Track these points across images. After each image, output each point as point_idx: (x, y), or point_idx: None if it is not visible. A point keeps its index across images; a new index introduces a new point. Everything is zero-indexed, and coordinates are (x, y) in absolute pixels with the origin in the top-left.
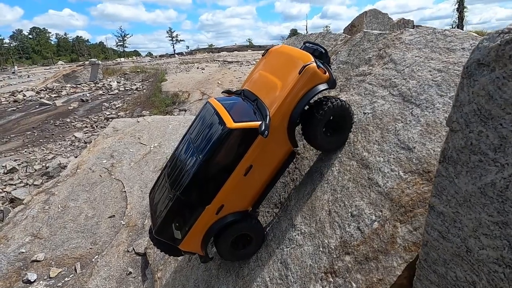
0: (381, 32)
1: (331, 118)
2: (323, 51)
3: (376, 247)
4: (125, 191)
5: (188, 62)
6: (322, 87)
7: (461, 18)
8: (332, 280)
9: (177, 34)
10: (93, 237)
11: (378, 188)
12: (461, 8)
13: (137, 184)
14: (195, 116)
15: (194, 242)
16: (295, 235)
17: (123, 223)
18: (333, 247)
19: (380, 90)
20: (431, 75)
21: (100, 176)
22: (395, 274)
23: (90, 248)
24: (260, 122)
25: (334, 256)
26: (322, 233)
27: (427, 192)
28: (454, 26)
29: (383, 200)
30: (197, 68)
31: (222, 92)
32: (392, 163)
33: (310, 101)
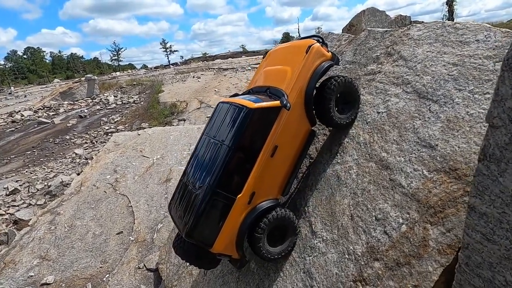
0: (386, 29)
1: (338, 95)
2: (320, 38)
3: (407, 251)
4: (131, 206)
5: (183, 71)
6: (328, 63)
7: (451, 11)
8: None
9: (170, 45)
10: (103, 256)
11: (402, 189)
12: (450, 2)
13: (143, 198)
14: (209, 119)
15: (228, 241)
16: (316, 243)
17: (132, 239)
18: (359, 254)
19: (393, 88)
20: (446, 69)
21: (105, 192)
22: (432, 279)
23: (100, 267)
24: (279, 100)
25: (362, 263)
26: (346, 239)
27: (456, 190)
28: (444, 19)
29: (409, 201)
30: (193, 77)
31: (230, 97)
32: (414, 163)
33: (319, 80)
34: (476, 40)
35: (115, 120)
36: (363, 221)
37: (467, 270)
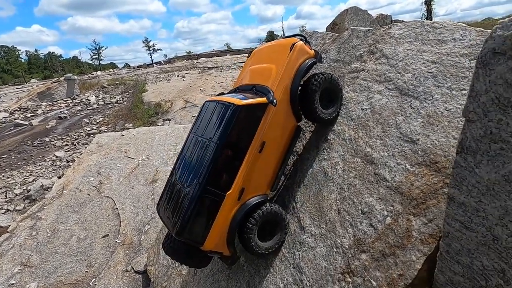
0: (369, 28)
1: (322, 91)
2: (303, 37)
3: (392, 242)
4: (116, 208)
5: (167, 70)
6: (311, 61)
7: (429, 10)
8: (351, 280)
9: (153, 44)
10: (88, 260)
11: (386, 183)
12: (429, 1)
13: (128, 200)
14: (195, 118)
15: (219, 238)
16: (305, 238)
17: (118, 241)
18: (347, 247)
19: (376, 86)
20: (425, 67)
21: (89, 195)
22: (415, 268)
23: (86, 271)
24: (266, 97)
25: (350, 255)
26: (334, 233)
27: (437, 183)
28: (423, 19)
29: (393, 194)
30: (177, 76)
31: (216, 95)
32: (397, 157)
33: (303, 77)
34: (453, 39)
35: (97, 121)
36: (350, 215)
37: (448, 257)
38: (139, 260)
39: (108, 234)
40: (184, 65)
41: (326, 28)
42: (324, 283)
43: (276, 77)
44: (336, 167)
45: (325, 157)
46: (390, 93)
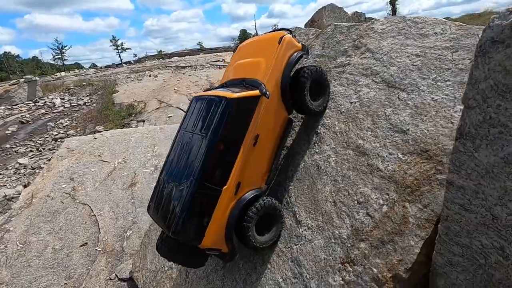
0: (351, 24)
1: (311, 83)
2: (289, 31)
3: (389, 229)
4: (94, 215)
5: (138, 70)
6: (300, 53)
7: (394, 10)
8: (352, 269)
9: (122, 42)
10: (66, 271)
11: (380, 173)
12: (393, 1)
13: (107, 205)
14: (184, 115)
15: (217, 234)
16: (302, 231)
17: (98, 249)
18: (345, 237)
19: (363, 79)
20: (410, 60)
21: (62, 202)
22: (414, 252)
23: (65, 283)
24: (258, 89)
25: (348, 245)
26: (331, 224)
27: (429, 170)
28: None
29: (387, 183)
30: (150, 76)
31: (204, 91)
32: (389, 147)
33: (292, 70)
34: (434, 33)
35: (64, 125)
36: (346, 205)
37: (447, 240)
38: (123, 267)
39: (86, 243)
40: (156, 64)
41: (304, 25)
42: (324, 274)
43: (266, 70)
44: (328, 160)
45: (317, 150)
46: (378, 86)
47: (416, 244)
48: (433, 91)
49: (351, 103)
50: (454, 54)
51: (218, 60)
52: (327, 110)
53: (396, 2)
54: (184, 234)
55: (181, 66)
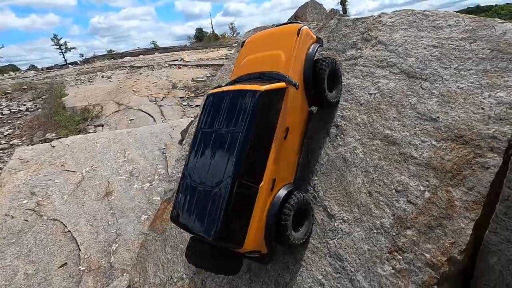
0: (357, 17)
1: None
2: (299, 23)
3: (436, 214)
4: (69, 231)
5: (88, 71)
6: (317, 45)
7: (344, 10)
8: (401, 257)
9: (65, 42)
10: None
11: (415, 161)
12: (344, 1)
13: (82, 219)
14: (201, 113)
15: (257, 235)
16: (337, 225)
17: (82, 268)
18: (388, 226)
19: (379, 71)
20: (427, 51)
21: (26, 220)
22: (467, 233)
23: None
24: (284, 81)
25: (393, 233)
26: (370, 215)
27: (467, 154)
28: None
29: (425, 170)
30: (102, 77)
31: (213, 89)
32: (420, 135)
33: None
34: (448, 25)
35: (5, 134)
36: (383, 195)
37: (506, 219)
38: (117, 284)
39: (66, 263)
40: (107, 65)
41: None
42: (371, 265)
43: (288, 62)
44: (355, 151)
45: (340, 143)
46: (397, 77)
47: (467, 226)
48: (457, 79)
49: (370, 94)
50: (472, 44)
51: (177, 60)
52: (344, 103)
53: (346, 3)
54: (226, 239)
55: (136, 66)
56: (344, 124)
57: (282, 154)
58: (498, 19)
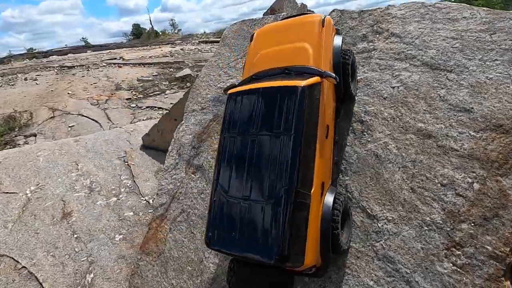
0: (362, 9)
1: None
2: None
3: (490, 205)
4: (24, 267)
5: (5, 73)
6: (340, 36)
7: None
8: (461, 253)
9: None
10: None
11: (456, 153)
12: None
13: (39, 250)
14: (225, 116)
15: (315, 248)
16: (382, 226)
17: None
18: (440, 221)
19: (398, 63)
20: (447, 43)
21: None
22: None
23: None
24: (318, 76)
25: (448, 229)
26: (417, 212)
27: (511, 143)
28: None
29: (469, 161)
30: (25, 79)
31: (226, 89)
32: (456, 127)
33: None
34: (463, 17)
35: None
36: (428, 190)
37: None
38: None
39: None
40: (29, 65)
41: (263, 14)
42: (429, 264)
43: (318, 54)
44: (387, 147)
45: (369, 139)
46: (419, 69)
47: None
48: (485, 70)
49: (393, 87)
50: (493, 36)
51: (115, 58)
52: (365, 97)
53: None
54: (289, 258)
55: (67, 66)
56: (370, 120)
57: (325, 154)
58: None
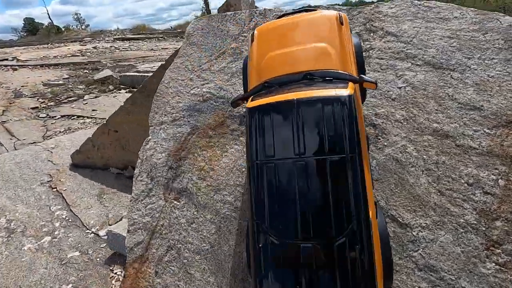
0: (350, 7)
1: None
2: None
3: None
4: None
5: None
6: (357, 35)
7: (207, 4)
8: (500, 251)
9: None
10: None
11: (475, 151)
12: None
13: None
14: (251, 137)
15: (381, 280)
16: (416, 234)
17: None
18: (474, 222)
19: (400, 63)
20: (445, 42)
21: None
22: None
23: None
24: (351, 81)
25: (483, 228)
26: (450, 215)
27: None
28: (204, 11)
29: (489, 158)
30: None
31: (234, 102)
32: (470, 125)
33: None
34: (454, 17)
35: None
36: (456, 191)
37: None
38: None
39: None
40: None
41: (218, 10)
42: (472, 267)
43: (344, 57)
44: (406, 150)
45: (385, 143)
46: (422, 68)
47: None
48: (485, 68)
49: (400, 88)
50: (486, 35)
51: (6, 59)
52: (372, 99)
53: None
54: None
55: None
56: (382, 122)
57: (368, 169)
58: (498, 12)
